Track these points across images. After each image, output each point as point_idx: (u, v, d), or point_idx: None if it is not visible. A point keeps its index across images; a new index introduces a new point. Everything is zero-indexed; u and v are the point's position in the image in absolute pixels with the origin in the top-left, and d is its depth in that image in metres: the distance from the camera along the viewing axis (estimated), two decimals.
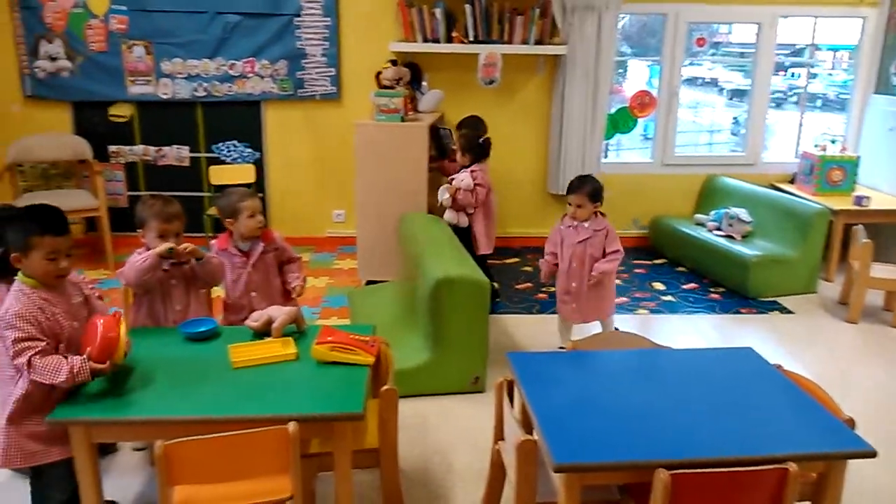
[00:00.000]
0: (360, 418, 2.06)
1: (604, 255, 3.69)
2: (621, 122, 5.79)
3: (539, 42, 5.32)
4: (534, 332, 4.20)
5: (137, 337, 2.56)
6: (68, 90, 5.42)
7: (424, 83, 5.21)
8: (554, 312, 3.99)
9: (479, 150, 4.45)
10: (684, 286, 5.08)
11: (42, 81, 5.39)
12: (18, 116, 5.46)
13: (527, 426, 2.15)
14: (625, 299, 4.78)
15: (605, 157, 5.98)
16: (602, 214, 3.73)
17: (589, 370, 2.40)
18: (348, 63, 5.52)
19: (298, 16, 5.38)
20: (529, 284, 5.00)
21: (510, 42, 5.29)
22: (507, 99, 5.65)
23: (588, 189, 3.66)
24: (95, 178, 5.20)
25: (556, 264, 3.81)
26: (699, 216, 5.60)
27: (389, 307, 3.97)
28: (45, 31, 5.30)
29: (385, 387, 2.26)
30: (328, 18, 5.40)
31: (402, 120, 4.51)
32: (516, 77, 5.56)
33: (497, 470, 2.40)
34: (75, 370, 2.03)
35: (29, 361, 2.03)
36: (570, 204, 3.71)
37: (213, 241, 3.13)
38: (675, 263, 5.54)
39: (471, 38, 5.26)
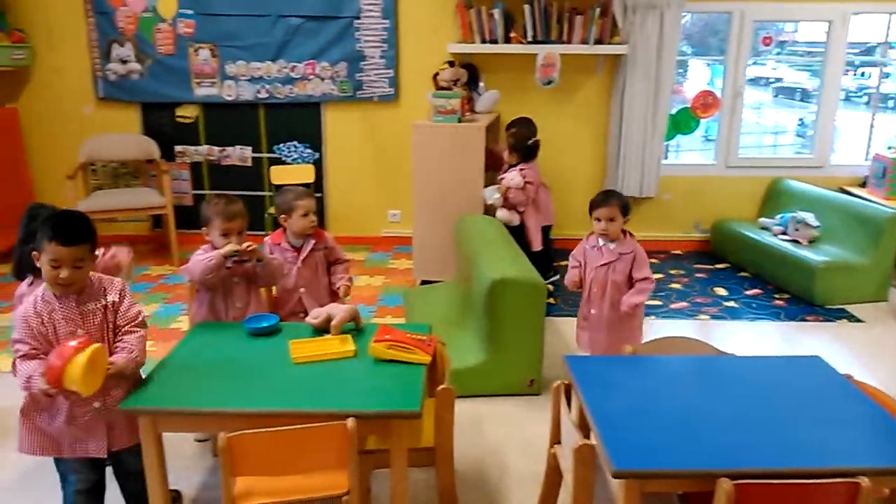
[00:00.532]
0: (417, 416, 2.07)
1: (630, 282, 3.22)
2: (683, 122, 5.66)
3: (599, 42, 5.25)
4: None
5: (203, 331, 2.65)
6: (138, 92, 5.62)
7: (481, 84, 5.20)
8: None
9: (527, 151, 4.50)
10: (747, 292, 4.94)
11: (113, 83, 5.60)
12: (91, 117, 5.68)
13: (584, 430, 2.13)
14: (685, 304, 4.68)
15: (665, 158, 5.86)
16: (630, 235, 3.29)
17: (649, 375, 2.35)
18: (406, 65, 5.56)
19: (358, 18, 5.45)
20: None
21: (569, 42, 5.24)
22: (566, 99, 5.59)
23: (618, 201, 3.24)
24: (162, 176, 5.37)
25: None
26: (764, 220, 5.43)
27: (444, 307, 3.97)
28: (116, 35, 5.50)
29: (442, 386, 2.27)
30: (387, 20, 5.45)
31: (459, 121, 4.52)
32: (575, 77, 5.50)
33: (553, 474, 2.38)
34: (30, 382, 2.01)
35: (13, 362, 2.09)
36: (598, 220, 3.22)
37: (267, 238, 3.20)
38: (738, 268, 5.39)
39: (529, 39, 5.23)
